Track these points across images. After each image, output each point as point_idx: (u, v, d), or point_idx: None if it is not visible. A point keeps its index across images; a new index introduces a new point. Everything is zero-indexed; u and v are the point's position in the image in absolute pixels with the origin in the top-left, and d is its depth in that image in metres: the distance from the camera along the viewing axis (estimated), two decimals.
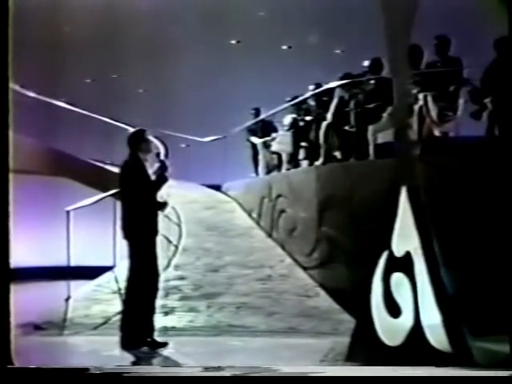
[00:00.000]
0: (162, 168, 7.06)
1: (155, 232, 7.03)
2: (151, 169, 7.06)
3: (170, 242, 9.05)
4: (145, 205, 6.94)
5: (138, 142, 7.02)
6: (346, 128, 9.38)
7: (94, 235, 9.97)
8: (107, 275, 9.13)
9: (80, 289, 8.79)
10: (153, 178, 7.02)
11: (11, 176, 5.58)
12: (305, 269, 9.23)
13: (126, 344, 6.79)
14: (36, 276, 9.93)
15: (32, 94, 11.55)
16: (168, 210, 7.44)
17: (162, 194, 7.11)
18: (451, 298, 5.90)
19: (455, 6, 9.22)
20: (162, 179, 7.04)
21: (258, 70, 12.97)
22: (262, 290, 8.80)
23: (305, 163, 10.59)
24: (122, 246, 8.16)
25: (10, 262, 5.54)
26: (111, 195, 9.16)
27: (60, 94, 12.43)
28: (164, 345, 6.86)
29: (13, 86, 5.60)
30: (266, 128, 12.53)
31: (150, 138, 7.11)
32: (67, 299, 8.36)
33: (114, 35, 12.55)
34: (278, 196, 10.38)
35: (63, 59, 11.84)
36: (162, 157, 7.11)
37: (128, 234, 6.96)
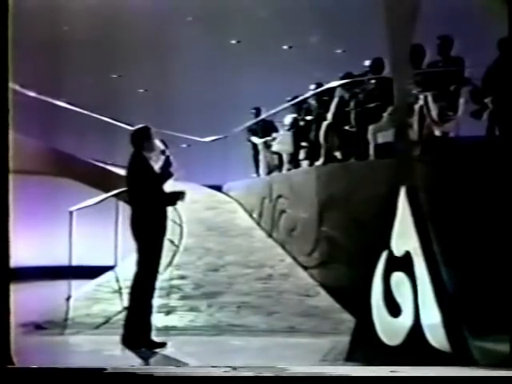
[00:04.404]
0: (167, 164, 7.06)
1: (164, 230, 7.01)
2: (156, 165, 7.06)
3: (171, 241, 9.05)
4: (155, 202, 6.93)
5: (141, 139, 7.01)
6: (347, 128, 9.39)
7: (94, 235, 9.98)
8: (108, 274, 9.14)
9: (81, 288, 8.79)
10: (159, 173, 7.03)
11: (13, 176, 5.58)
12: (305, 268, 9.24)
13: (128, 343, 6.79)
14: (36, 276, 9.95)
15: (32, 94, 11.56)
16: (170, 210, 7.42)
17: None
18: (451, 297, 5.90)
19: (457, 6, 9.24)
20: (167, 174, 7.05)
21: (259, 69, 12.99)
22: (263, 290, 8.81)
23: (305, 163, 10.60)
24: (124, 245, 8.18)
25: (11, 262, 5.54)
26: (113, 195, 9.17)
27: (60, 94, 12.45)
28: (162, 345, 6.85)
29: (13, 85, 5.60)
30: (266, 128, 12.51)
31: (153, 135, 7.10)
32: (68, 298, 8.36)
33: (114, 35, 12.57)
34: (279, 196, 10.39)
35: (63, 59, 11.86)
36: (168, 152, 7.10)
37: (138, 233, 6.93)
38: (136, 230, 6.95)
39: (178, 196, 7.11)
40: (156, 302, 7.16)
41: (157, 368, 6.27)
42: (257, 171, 12.71)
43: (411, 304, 5.94)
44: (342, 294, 8.10)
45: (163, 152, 7.11)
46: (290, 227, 9.87)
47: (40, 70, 11.31)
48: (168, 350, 6.79)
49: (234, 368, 5.59)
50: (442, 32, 8.73)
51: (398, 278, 6.03)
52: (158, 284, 7.07)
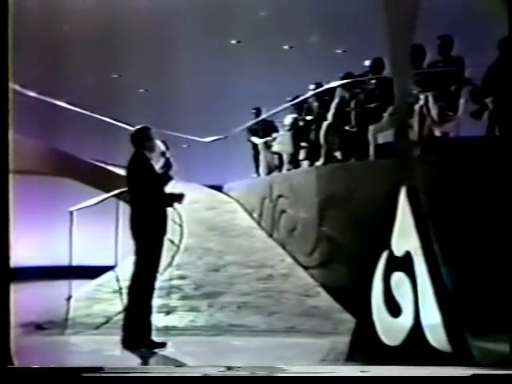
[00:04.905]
0: (167, 166, 7.06)
1: (164, 230, 7.02)
2: (156, 166, 7.06)
3: (171, 241, 9.05)
4: (154, 203, 6.93)
5: (142, 139, 7.02)
6: (347, 128, 9.39)
7: (94, 235, 9.98)
8: (108, 274, 9.14)
9: (81, 288, 8.79)
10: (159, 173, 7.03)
11: (13, 176, 5.58)
12: (305, 268, 9.23)
13: (128, 343, 6.79)
14: (36, 276, 9.95)
15: (33, 94, 11.56)
16: (170, 210, 7.42)
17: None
18: (451, 297, 5.90)
19: (457, 6, 9.24)
20: (167, 177, 7.05)
21: (259, 69, 12.97)
22: (263, 290, 8.81)
23: (305, 163, 10.60)
24: (124, 245, 8.17)
25: (11, 262, 5.54)
26: (113, 195, 9.17)
27: (61, 94, 12.44)
28: (162, 345, 6.84)
29: (13, 85, 5.60)
30: (266, 128, 12.51)
31: (154, 135, 7.11)
32: (68, 299, 8.36)
33: (115, 35, 12.56)
34: (279, 196, 10.38)
35: (63, 59, 11.85)
36: (168, 154, 7.10)
37: (138, 233, 6.93)
38: (136, 229, 6.96)
39: (176, 198, 7.11)
40: (156, 302, 7.17)
41: (157, 368, 6.28)
42: (257, 171, 12.71)
43: (411, 304, 5.94)
44: (342, 294, 8.10)
45: (163, 154, 7.11)
46: (290, 227, 9.87)
47: (40, 69, 11.31)
48: (168, 350, 6.79)
49: (234, 368, 5.60)
50: (442, 32, 8.73)
51: (398, 278, 6.03)
52: (158, 284, 7.08)
